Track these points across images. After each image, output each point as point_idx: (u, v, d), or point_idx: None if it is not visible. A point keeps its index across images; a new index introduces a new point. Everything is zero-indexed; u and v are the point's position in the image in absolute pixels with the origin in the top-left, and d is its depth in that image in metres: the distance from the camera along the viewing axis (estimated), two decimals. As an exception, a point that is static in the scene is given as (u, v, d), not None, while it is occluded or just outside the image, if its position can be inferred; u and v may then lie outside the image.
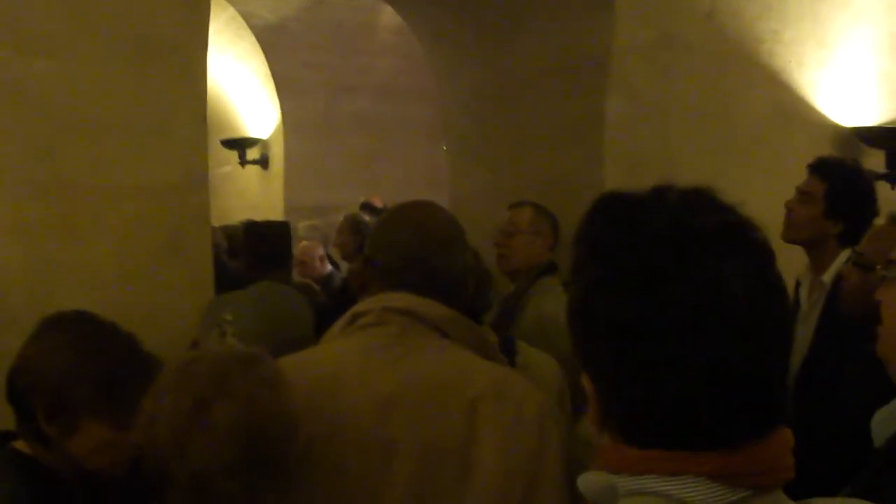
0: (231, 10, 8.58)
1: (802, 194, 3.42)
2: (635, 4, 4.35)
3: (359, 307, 1.90)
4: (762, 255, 1.00)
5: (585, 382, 1.06)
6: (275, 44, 8.94)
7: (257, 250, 4.40)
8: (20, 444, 1.95)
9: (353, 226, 5.70)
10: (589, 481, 1.05)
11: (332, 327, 1.94)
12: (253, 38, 8.93)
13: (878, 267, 1.84)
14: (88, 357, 1.93)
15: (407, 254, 1.90)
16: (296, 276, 6.51)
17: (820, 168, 3.45)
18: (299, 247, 6.36)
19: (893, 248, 1.84)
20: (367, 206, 7.49)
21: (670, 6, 4.45)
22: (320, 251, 6.38)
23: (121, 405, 1.86)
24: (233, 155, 9.79)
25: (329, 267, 6.39)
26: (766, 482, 0.98)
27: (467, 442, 1.71)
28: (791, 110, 4.81)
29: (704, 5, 4.49)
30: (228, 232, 7.05)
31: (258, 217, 8.38)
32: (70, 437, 1.91)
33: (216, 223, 6.50)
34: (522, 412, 1.74)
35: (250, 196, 10.07)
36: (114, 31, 3.23)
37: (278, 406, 1.57)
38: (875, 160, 4.94)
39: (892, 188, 4.89)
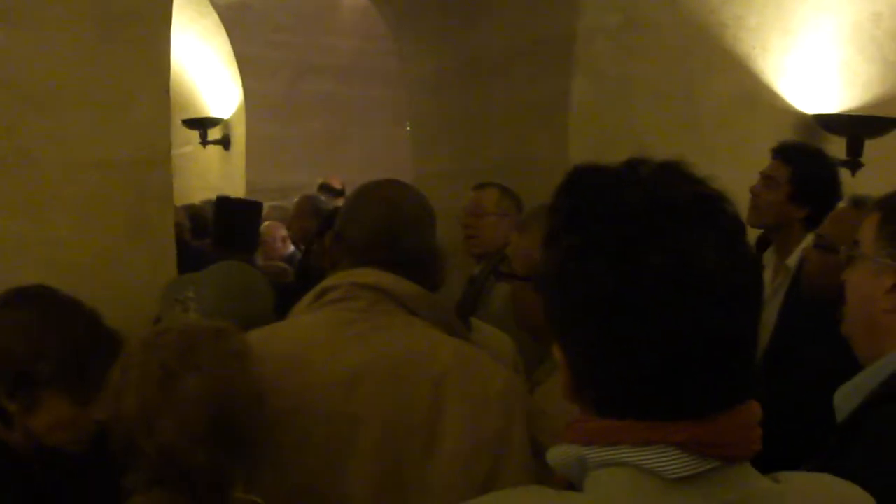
0: (193, -13, 8.50)
1: (767, 179, 3.44)
2: (601, -17, 4.35)
3: (327, 282, 1.90)
4: (733, 226, 1.00)
5: (557, 353, 1.06)
6: (238, 23, 8.87)
7: (228, 225, 4.36)
8: None
9: (312, 207, 5.65)
10: (558, 454, 1.04)
11: (300, 302, 1.94)
12: (216, 17, 8.85)
13: (843, 248, 1.87)
14: (51, 332, 1.92)
15: (377, 230, 1.90)
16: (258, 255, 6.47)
17: (784, 152, 3.47)
18: (263, 226, 6.31)
19: (855, 229, 1.86)
20: (325, 188, 7.45)
21: (636, -13, 4.45)
22: (282, 232, 6.33)
23: (83, 381, 1.88)
24: (194, 135, 9.72)
25: (291, 247, 6.34)
26: (735, 453, 0.98)
27: (433, 417, 1.73)
28: (755, 95, 4.86)
29: (670, -12, 4.51)
30: (192, 212, 6.99)
31: (219, 197, 8.35)
32: (31, 413, 1.90)
33: (178, 203, 6.45)
34: (488, 389, 1.76)
35: (211, 176, 10.00)
36: (75, 2, 3.17)
37: (246, 379, 1.57)
38: (836, 147, 4.99)
39: (853, 175, 4.94)
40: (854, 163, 4.96)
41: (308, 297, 1.92)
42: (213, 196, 8.35)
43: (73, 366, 1.91)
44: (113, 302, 3.15)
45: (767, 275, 3.37)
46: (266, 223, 6.37)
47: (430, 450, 1.71)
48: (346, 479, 1.72)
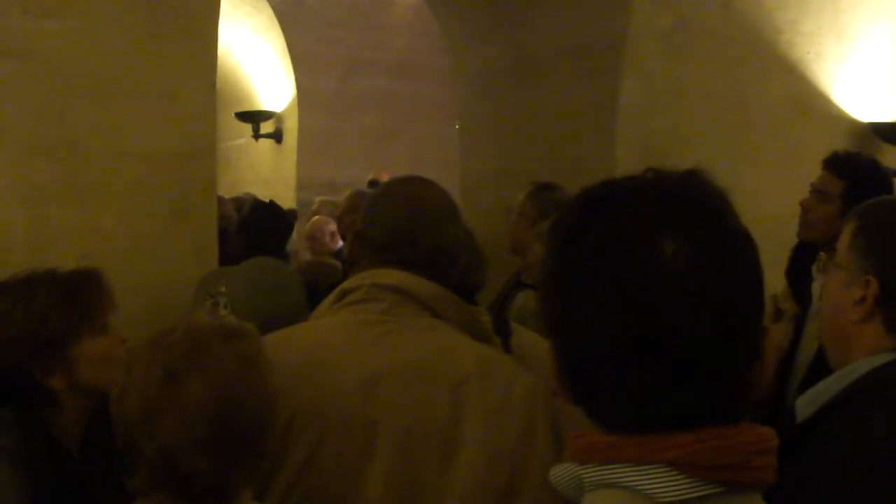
0: (249, -18, 8.58)
1: (818, 193, 3.33)
2: (652, -14, 4.32)
3: (348, 283, 1.87)
4: (735, 234, 0.97)
5: (550, 359, 1.03)
6: (292, 18, 8.93)
7: (254, 234, 4.39)
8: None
9: (361, 202, 5.66)
10: (558, 473, 1.01)
11: (322, 303, 1.91)
12: (270, 12, 8.91)
13: (822, 254, 1.86)
14: (34, 300, 1.96)
15: (398, 229, 1.86)
16: (307, 251, 6.51)
17: (835, 164, 3.35)
18: (310, 222, 6.34)
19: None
20: (374, 184, 7.47)
21: (687, -10, 4.41)
22: (332, 226, 6.34)
23: (87, 308, 1.98)
24: (247, 128, 9.79)
25: (340, 242, 6.37)
26: (737, 479, 0.93)
27: (452, 423, 1.68)
28: (807, 102, 4.79)
29: (723, -9, 4.46)
30: (239, 204, 7.04)
31: (269, 190, 8.43)
32: (74, 370, 1.95)
33: (228, 195, 6.51)
34: (510, 395, 1.71)
35: (262, 170, 10.08)
36: (125, -6, 3.21)
37: (255, 384, 1.51)
38: (891, 156, 4.90)
39: (907, 185, 4.86)
40: (910, 173, 4.87)
41: (330, 298, 1.88)
42: (264, 189, 8.45)
43: (73, 303, 1.97)
44: (153, 289, 3.21)
45: (816, 288, 3.30)
46: (315, 218, 6.40)
47: (449, 457, 1.67)
48: (363, 485, 1.67)
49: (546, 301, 1.01)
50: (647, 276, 0.92)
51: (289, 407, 1.62)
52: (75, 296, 1.99)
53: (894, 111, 4.99)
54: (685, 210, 0.95)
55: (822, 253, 2.40)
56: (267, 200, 7.15)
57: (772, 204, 3.61)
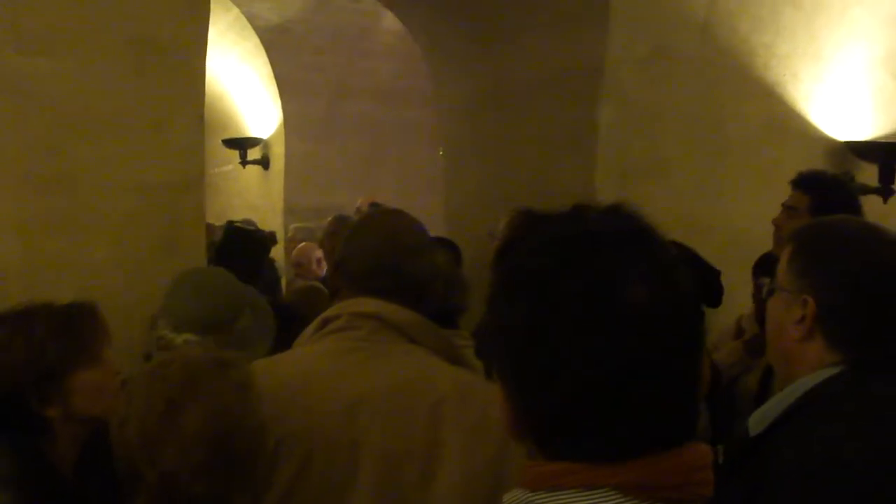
0: (235, 11, 8.63)
1: (788, 209, 3.48)
2: (630, 15, 4.39)
3: (329, 312, 1.97)
4: (665, 262, 1.00)
5: (497, 388, 1.05)
6: (278, 45, 8.99)
7: (227, 260, 4.37)
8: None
9: (344, 227, 5.70)
10: (511, 499, 1.02)
11: (304, 332, 2.00)
12: (257, 39, 8.97)
13: (767, 280, 1.94)
14: (33, 331, 2.02)
15: (375, 259, 1.96)
16: (293, 277, 6.55)
17: (802, 181, 3.51)
18: (296, 249, 6.39)
19: None
20: (375, 206, 7.54)
21: (665, 18, 4.49)
22: (317, 253, 6.41)
23: (84, 341, 2.04)
24: (234, 154, 9.84)
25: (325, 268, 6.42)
26: (679, 496, 0.97)
27: (431, 444, 1.76)
28: (784, 123, 4.85)
29: (699, 18, 4.53)
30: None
31: (257, 216, 8.46)
32: (69, 401, 2.00)
33: (217, 221, 6.55)
34: (486, 415, 1.75)
35: (250, 196, 10.12)
36: (114, 31, 3.28)
37: (248, 410, 1.60)
38: (868, 174, 4.99)
39: (884, 202, 4.93)
40: (886, 189, 4.94)
41: (311, 327, 1.98)
42: (252, 215, 8.49)
43: (71, 336, 2.03)
44: (147, 320, 3.26)
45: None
46: (302, 245, 6.46)
47: (429, 477, 1.74)
48: (349, 503, 1.75)
49: (509, 348, 1.02)
50: (606, 320, 0.94)
51: (276, 431, 1.70)
52: (72, 328, 2.06)
53: (870, 129, 5.05)
54: (639, 254, 0.98)
55: (764, 277, 2.50)
56: (242, 222, 7.18)
57: (751, 223, 3.69)
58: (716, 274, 3.50)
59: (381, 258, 1.96)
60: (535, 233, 1.03)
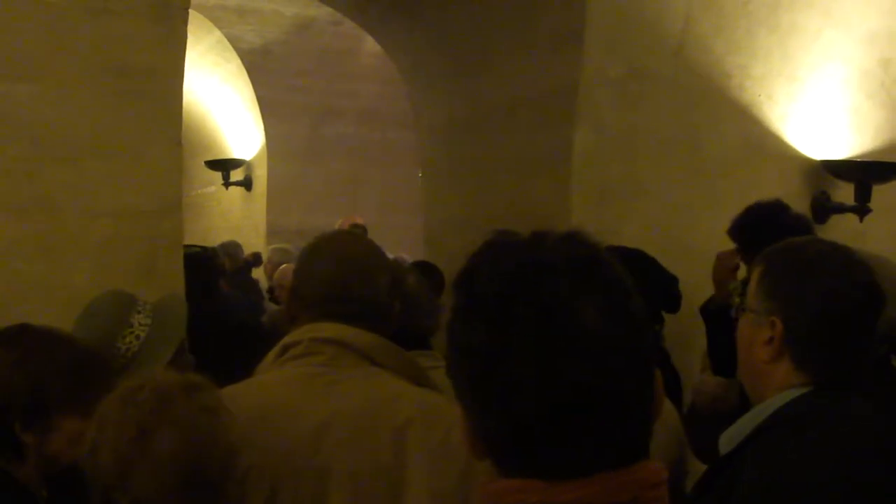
0: (217, 34, 8.67)
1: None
2: (605, 38, 4.43)
3: (288, 338, 1.95)
4: (618, 289, 1.03)
5: (458, 408, 1.09)
6: (260, 67, 9.03)
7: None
8: None
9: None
10: None
11: (265, 359, 1.99)
12: (239, 62, 9.01)
13: (736, 299, 1.98)
14: (48, 359, 2.01)
15: (329, 284, 1.96)
16: (269, 300, 6.56)
17: (731, 231, 3.69)
18: (278, 270, 6.40)
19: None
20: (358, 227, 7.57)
21: (639, 40, 4.52)
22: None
23: (87, 393, 1.96)
24: (217, 176, 9.86)
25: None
26: None
27: (397, 466, 1.76)
28: (760, 143, 4.89)
29: (674, 40, 4.58)
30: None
31: (240, 237, 8.47)
32: (48, 437, 1.98)
33: (201, 243, 6.55)
34: (450, 436, 1.76)
35: (233, 217, 10.14)
36: (92, 57, 3.29)
37: (219, 433, 1.62)
38: (844, 193, 5.04)
39: (860, 221, 4.98)
40: (862, 209, 4.99)
41: (271, 355, 1.97)
42: (235, 237, 8.50)
43: (76, 383, 2.00)
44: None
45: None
46: (283, 266, 6.46)
47: (397, 497, 1.75)
48: None
49: (465, 371, 1.05)
50: (571, 345, 0.97)
51: (240, 462, 1.70)
52: (85, 376, 2.03)
53: (846, 149, 5.10)
54: (590, 280, 1.01)
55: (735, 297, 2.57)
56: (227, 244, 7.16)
57: (727, 243, 3.72)
58: (674, 281, 3.55)
59: (332, 283, 1.95)
60: (491, 260, 1.06)
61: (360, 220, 7.76)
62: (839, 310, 1.78)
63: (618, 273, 1.04)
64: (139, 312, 2.69)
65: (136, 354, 2.57)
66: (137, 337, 2.62)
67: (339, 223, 7.82)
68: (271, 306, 6.17)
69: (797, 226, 3.46)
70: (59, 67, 3.27)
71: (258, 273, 7.71)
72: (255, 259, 7.44)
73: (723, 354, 3.56)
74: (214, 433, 1.61)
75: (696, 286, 3.77)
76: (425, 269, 4.05)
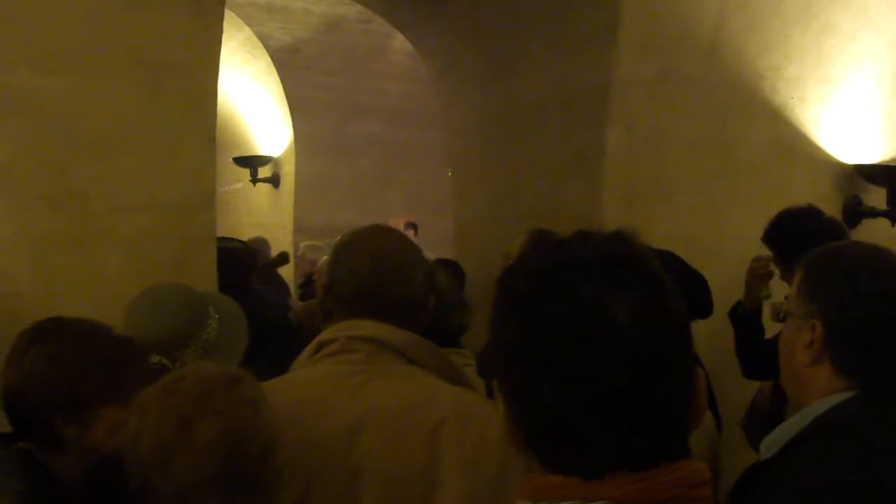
0: (247, 31, 8.70)
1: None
2: (637, 38, 4.41)
3: (324, 336, 1.94)
4: (656, 287, 1.04)
5: (500, 402, 1.10)
6: (289, 65, 9.06)
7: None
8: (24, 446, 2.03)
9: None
10: None
11: (300, 355, 1.98)
12: (268, 59, 9.04)
13: (780, 303, 1.96)
14: (84, 353, 2.02)
15: (363, 282, 1.92)
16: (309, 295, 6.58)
17: (766, 237, 3.69)
18: (318, 264, 6.43)
19: None
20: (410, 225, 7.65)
21: (672, 41, 4.50)
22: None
23: (126, 381, 1.98)
24: (245, 172, 9.90)
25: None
26: None
27: (431, 466, 1.75)
28: (791, 145, 4.84)
29: (706, 40, 4.55)
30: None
31: (267, 234, 8.50)
32: (89, 429, 2.00)
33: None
34: (485, 436, 1.75)
35: (260, 214, 10.17)
36: (128, 52, 3.32)
37: (259, 424, 1.63)
38: (876, 197, 4.98)
39: (893, 225, 4.93)
40: (894, 213, 4.94)
41: (307, 351, 1.96)
42: (262, 233, 8.53)
43: (116, 372, 2.02)
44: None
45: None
46: (323, 259, 6.47)
47: (430, 498, 1.74)
48: None
49: (504, 366, 1.07)
50: (603, 342, 0.98)
51: (281, 454, 1.69)
52: (122, 365, 2.05)
53: (879, 153, 5.03)
54: (626, 278, 1.03)
55: (779, 300, 2.56)
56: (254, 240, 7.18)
57: (757, 246, 3.69)
58: (702, 282, 3.53)
59: (366, 280, 1.92)
60: (531, 258, 1.07)
61: (412, 220, 7.86)
62: (879, 311, 1.75)
63: (657, 271, 1.05)
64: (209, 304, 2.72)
65: (211, 349, 2.58)
66: (211, 332, 2.64)
67: (391, 222, 7.89)
68: (297, 303, 6.18)
69: (832, 231, 3.45)
70: (94, 62, 3.30)
71: (282, 272, 7.73)
72: (282, 258, 7.45)
73: (751, 359, 3.56)
74: (254, 424, 1.62)
75: (725, 289, 3.74)
76: (445, 266, 4.05)
